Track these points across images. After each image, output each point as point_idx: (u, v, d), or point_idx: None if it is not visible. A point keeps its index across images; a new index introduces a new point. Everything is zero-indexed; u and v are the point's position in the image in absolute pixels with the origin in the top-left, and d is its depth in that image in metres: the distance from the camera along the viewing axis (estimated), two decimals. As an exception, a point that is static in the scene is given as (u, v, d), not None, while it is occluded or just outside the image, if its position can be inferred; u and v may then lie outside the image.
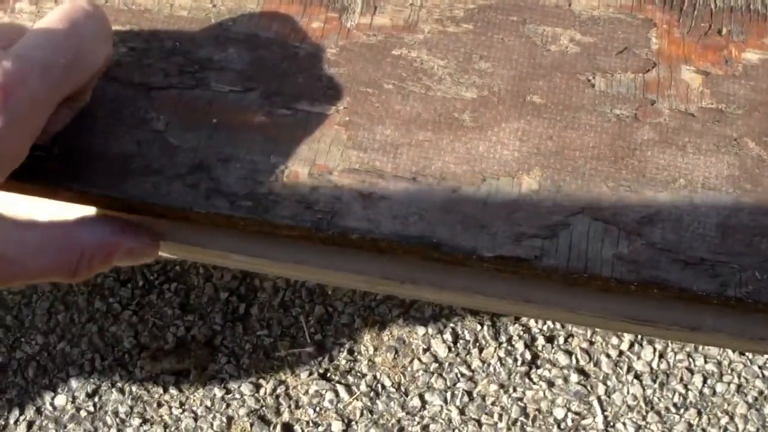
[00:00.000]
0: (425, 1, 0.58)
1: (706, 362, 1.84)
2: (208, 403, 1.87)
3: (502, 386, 1.84)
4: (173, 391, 1.89)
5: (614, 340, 1.87)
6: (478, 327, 1.89)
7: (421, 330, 1.90)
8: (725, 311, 0.53)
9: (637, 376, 1.84)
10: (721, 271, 0.50)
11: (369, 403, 1.84)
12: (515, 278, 0.55)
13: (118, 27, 0.57)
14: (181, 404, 1.88)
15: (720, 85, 0.56)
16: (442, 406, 1.83)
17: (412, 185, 0.52)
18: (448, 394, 1.84)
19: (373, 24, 0.58)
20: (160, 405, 1.88)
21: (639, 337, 1.87)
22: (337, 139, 0.54)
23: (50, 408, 1.89)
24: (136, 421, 1.86)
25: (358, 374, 1.87)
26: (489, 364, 1.86)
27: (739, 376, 1.83)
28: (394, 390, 1.85)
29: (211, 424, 1.85)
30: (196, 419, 1.86)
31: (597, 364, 1.85)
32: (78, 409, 1.88)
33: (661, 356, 1.85)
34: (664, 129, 0.54)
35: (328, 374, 1.88)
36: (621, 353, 1.86)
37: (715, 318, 0.54)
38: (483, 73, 0.56)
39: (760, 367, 1.83)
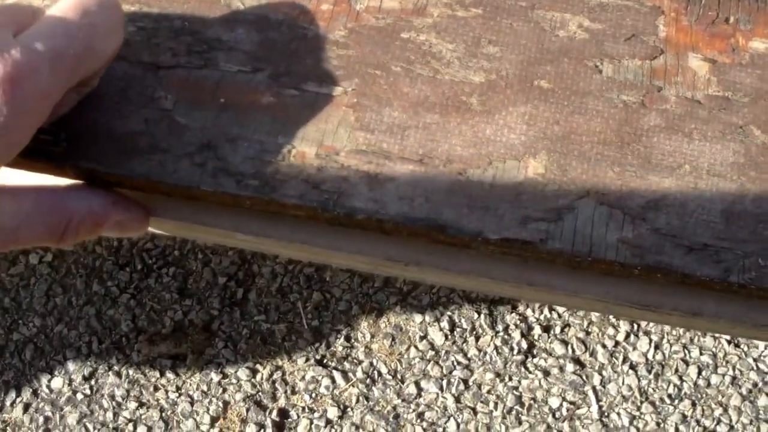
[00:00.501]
0: (434, -15, 0.58)
1: (701, 354, 1.85)
2: (205, 388, 1.87)
3: (498, 375, 1.84)
4: (170, 375, 1.89)
5: (610, 331, 1.87)
6: (475, 315, 1.90)
7: (418, 317, 1.90)
8: (728, 297, 0.53)
9: (633, 367, 1.84)
10: (725, 257, 0.50)
11: (365, 390, 1.84)
12: (520, 261, 0.55)
13: (127, 6, 0.57)
14: (178, 388, 1.88)
15: (726, 73, 0.56)
16: (437, 394, 1.83)
17: (418, 167, 0.52)
18: (444, 382, 1.84)
19: (383, 7, 0.58)
20: (156, 389, 1.88)
21: (635, 327, 1.87)
22: (345, 120, 0.54)
23: (47, 390, 1.89)
24: (133, 405, 1.87)
25: (355, 361, 1.87)
26: (485, 353, 1.86)
27: (733, 368, 1.83)
28: (390, 377, 1.85)
29: (207, 409, 1.85)
30: (192, 403, 1.86)
31: (593, 354, 1.86)
32: (74, 392, 1.88)
33: (656, 347, 1.86)
34: (670, 115, 0.54)
35: (325, 360, 1.88)
36: (617, 344, 1.86)
37: (718, 304, 0.54)
38: (491, 58, 0.56)
39: (755, 360, 1.84)
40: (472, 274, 0.56)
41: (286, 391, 1.85)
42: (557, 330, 1.89)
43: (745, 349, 1.85)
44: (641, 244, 0.51)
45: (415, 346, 1.88)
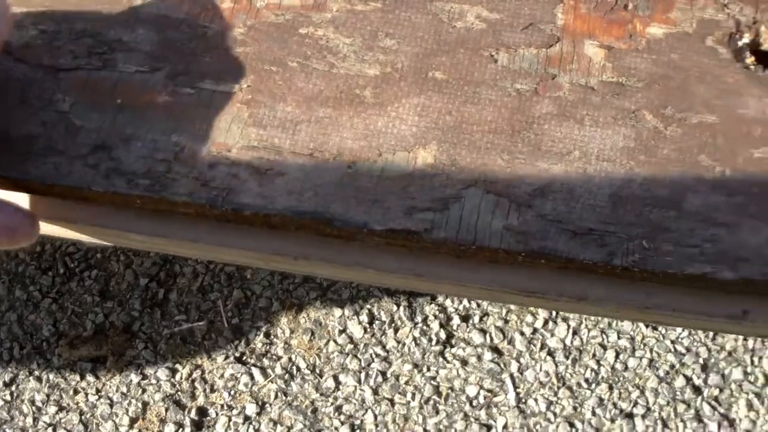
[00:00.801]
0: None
1: (619, 338, 1.86)
2: (124, 389, 1.86)
3: (416, 366, 1.85)
4: (90, 378, 1.88)
5: (529, 318, 1.88)
6: (395, 308, 1.90)
7: (337, 312, 1.90)
8: (612, 281, 0.54)
9: (551, 353, 1.86)
10: (609, 241, 0.51)
11: (283, 385, 1.84)
12: (406, 252, 0.56)
13: (31, 9, 0.57)
14: (98, 391, 1.86)
15: (622, 59, 0.57)
16: (355, 387, 1.83)
17: (308, 161, 0.53)
18: (362, 375, 1.84)
19: (283, 3, 0.58)
20: (76, 392, 1.86)
21: (554, 314, 1.89)
22: (238, 117, 0.54)
23: (-33, 398, 1.87)
24: (52, 409, 1.85)
25: (274, 357, 1.87)
26: (404, 344, 1.87)
27: (651, 351, 1.85)
28: (308, 372, 1.85)
29: (127, 410, 1.84)
30: (111, 405, 1.85)
31: (511, 342, 1.87)
32: (-6, 399, 1.87)
33: (574, 333, 1.87)
34: (563, 103, 0.55)
35: (244, 357, 1.88)
36: (535, 331, 1.88)
37: (602, 288, 0.55)
38: (387, 50, 0.57)
39: (672, 342, 1.86)
40: (358, 266, 0.56)
41: (205, 390, 1.85)
42: (476, 319, 1.89)
43: (663, 331, 1.87)
44: (526, 231, 0.51)
45: (334, 341, 1.88)
